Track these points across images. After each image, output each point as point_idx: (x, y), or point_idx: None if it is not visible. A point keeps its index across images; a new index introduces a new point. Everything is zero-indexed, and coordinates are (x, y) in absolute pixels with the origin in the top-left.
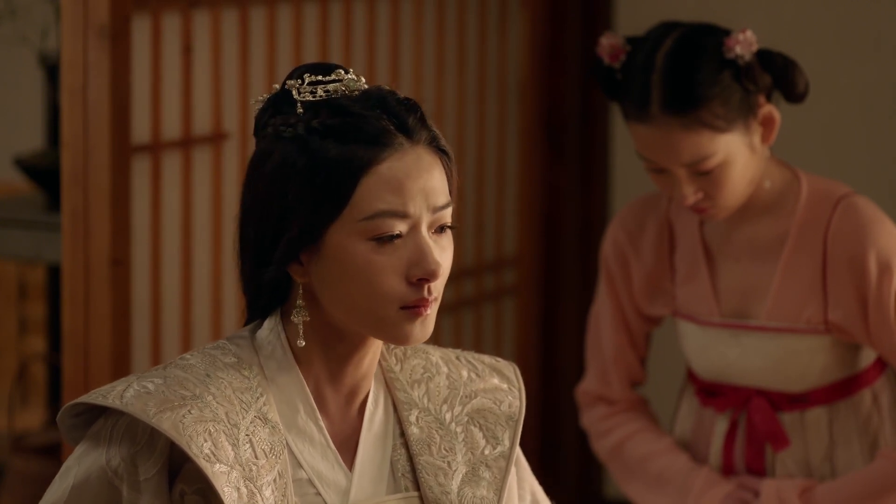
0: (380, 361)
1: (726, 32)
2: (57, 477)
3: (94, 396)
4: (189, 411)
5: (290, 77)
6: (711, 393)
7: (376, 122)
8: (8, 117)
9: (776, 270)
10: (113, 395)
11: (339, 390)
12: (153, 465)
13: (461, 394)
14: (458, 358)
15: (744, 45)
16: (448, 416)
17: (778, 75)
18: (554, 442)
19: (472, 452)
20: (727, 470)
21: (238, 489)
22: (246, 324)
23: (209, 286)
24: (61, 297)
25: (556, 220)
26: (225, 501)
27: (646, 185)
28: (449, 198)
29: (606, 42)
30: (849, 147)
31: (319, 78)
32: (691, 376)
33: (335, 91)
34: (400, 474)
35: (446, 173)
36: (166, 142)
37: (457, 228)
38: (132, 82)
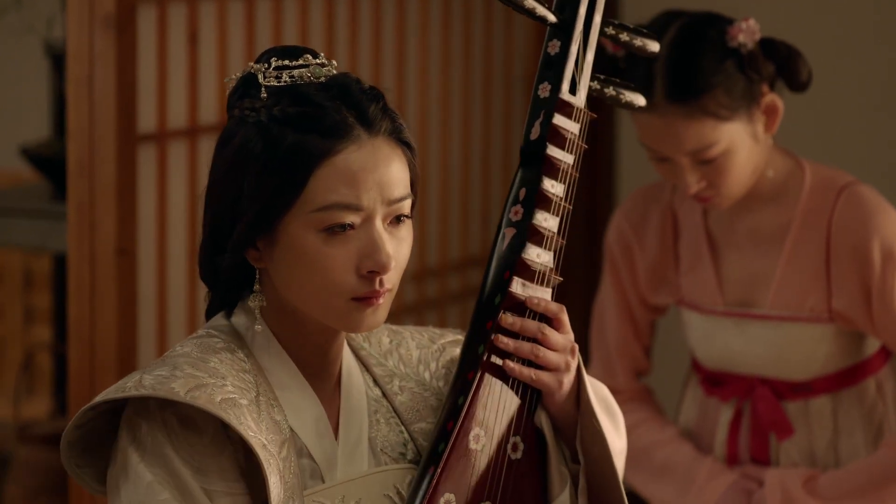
0: (348, 342)
1: (729, 21)
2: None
3: (115, 392)
4: (214, 390)
5: (258, 60)
6: (716, 382)
7: (334, 114)
8: (14, 107)
9: (780, 259)
10: (129, 386)
11: (313, 372)
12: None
13: (431, 350)
14: (407, 328)
15: (747, 33)
16: (426, 374)
17: (781, 64)
18: None
19: None
20: (732, 459)
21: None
22: (208, 309)
23: None
24: (67, 286)
25: None
26: (269, 486)
27: (651, 175)
28: (408, 189)
29: None
30: (848, 136)
31: (286, 62)
32: (695, 366)
33: (300, 77)
34: (379, 449)
35: (408, 164)
36: (172, 131)
37: (412, 219)
38: (138, 72)
